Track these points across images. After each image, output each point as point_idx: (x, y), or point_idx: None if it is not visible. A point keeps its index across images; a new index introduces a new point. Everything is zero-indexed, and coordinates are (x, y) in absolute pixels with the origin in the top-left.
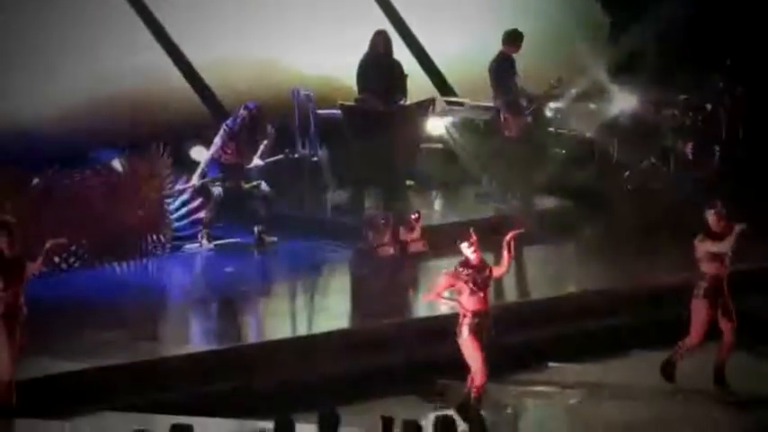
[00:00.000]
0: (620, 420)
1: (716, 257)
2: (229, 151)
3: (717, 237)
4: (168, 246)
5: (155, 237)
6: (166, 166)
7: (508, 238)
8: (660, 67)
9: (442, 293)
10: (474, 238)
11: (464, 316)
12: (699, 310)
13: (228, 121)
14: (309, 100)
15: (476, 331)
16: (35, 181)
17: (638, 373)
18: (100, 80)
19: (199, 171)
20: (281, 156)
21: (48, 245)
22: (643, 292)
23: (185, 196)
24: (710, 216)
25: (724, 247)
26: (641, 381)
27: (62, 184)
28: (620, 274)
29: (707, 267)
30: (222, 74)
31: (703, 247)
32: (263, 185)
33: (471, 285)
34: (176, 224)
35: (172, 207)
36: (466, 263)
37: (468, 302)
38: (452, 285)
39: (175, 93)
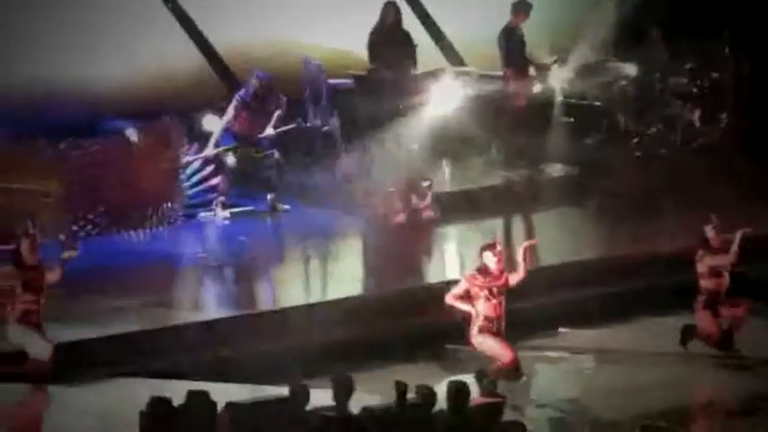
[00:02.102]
0: (629, 384)
1: (716, 272)
2: (242, 121)
3: (716, 251)
4: (182, 214)
5: (169, 205)
6: (180, 137)
7: (524, 246)
8: (667, 35)
9: (458, 297)
10: (499, 248)
11: (476, 319)
12: (703, 319)
13: (241, 92)
14: (320, 70)
15: (487, 329)
16: (51, 151)
17: (647, 337)
18: (115, 53)
19: (212, 140)
20: (293, 125)
21: (65, 254)
22: (651, 257)
23: (198, 165)
24: (709, 232)
25: (726, 259)
26: (649, 345)
27: (77, 154)
28: (627, 241)
29: (707, 283)
30: (235, 45)
31: (705, 262)
32: (276, 154)
33: (487, 293)
34: (190, 192)
35: (185, 176)
36: (485, 270)
37: (482, 308)
38: (469, 290)
39: (189, 64)
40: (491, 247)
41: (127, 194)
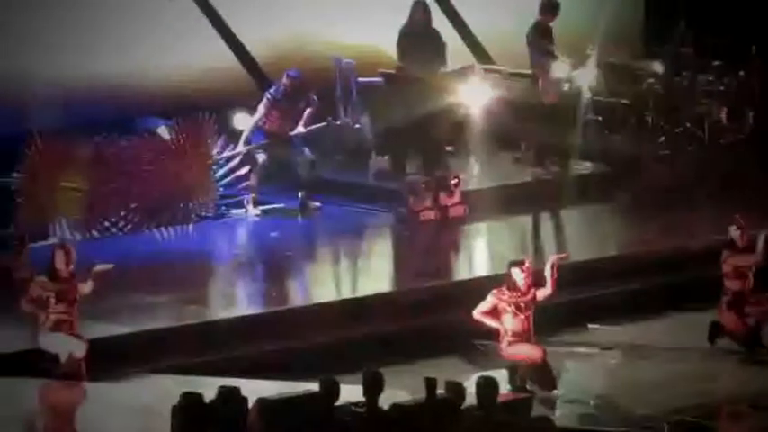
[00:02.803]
0: (658, 379)
1: (741, 272)
2: (273, 119)
3: (742, 251)
4: (213, 211)
5: (201, 202)
6: (212, 134)
7: (552, 261)
8: (694, 32)
9: (486, 313)
10: (528, 264)
11: (504, 335)
12: (728, 319)
13: (271, 90)
14: (351, 69)
15: (516, 342)
16: (85, 149)
17: (675, 333)
18: (147, 51)
19: (243, 138)
20: (323, 124)
21: (98, 268)
22: (679, 253)
23: (230, 163)
24: (734, 233)
25: (751, 259)
26: (678, 340)
27: (111, 151)
28: (655, 237)
29: (731, 284)
30: (266, 44)
31: (731, 261)
32: (307, 152)
33: (514, 308)
34: (222, 190)
35: (217, 174)
36: (513, 286)
37: (509, 324)
38: (496, 306)
39: (220, 62)
40: (519, 263)
41: (159, 191)
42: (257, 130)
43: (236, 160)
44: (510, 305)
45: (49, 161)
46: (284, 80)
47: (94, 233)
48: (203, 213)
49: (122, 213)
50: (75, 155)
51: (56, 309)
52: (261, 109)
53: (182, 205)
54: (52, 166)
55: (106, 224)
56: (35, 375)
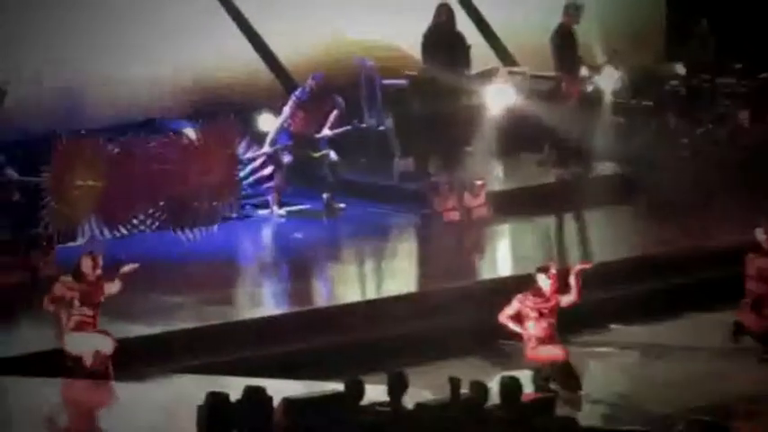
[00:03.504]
0: (679, 378)
1: (765, 276)
2: (298, 120)
3: (767, 254)
4: (238, 210)
5: (225, 202)
6: (237, 135)
7: (577, 269)
8: (715, 35)
9: (510, 317)
10: (553, 270)
11: (529, 341)
12: (750, 319)
13: (297, 92)
14: (375, 71)
15: (540, 346)
16: (111, 148)
17: (697, 332)
18: (174, 52)
19: (269, 139)
20: (349, 127)
21: (125, 268)
22: (700, 254)
23: (255, 164)
24: (761, 236)
25: None
26: (700, 340)
27: (137, 150)
28: (677, 238)
29: (754, 286)
30: (291, 46)
31: (755, 263)
32: (332, 154)
33: (537, 314)
34: (247, 191)
35: (242, 174)
36: (538, 292)
37: (533, 329)
38: (520, 311)
39: (245, 63)
40: (545, 269)
41: (185, 190)
42: (283, 131)
43: (259, 161)
44: (533, 311)
45: (76, 160)
46: (309, 82)
47: (122, 230)
48: (228, 214)
49: (150, 211)
50: (101, 154)
51: (79, 311)
52: (286, 110)
53: (206, 205)
54: (79, 165)
55: (134, 221)
56: (61, 375)
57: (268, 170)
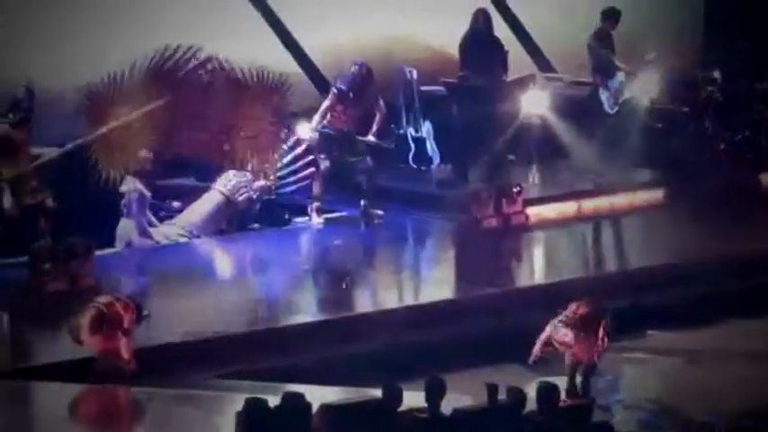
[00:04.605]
0: (717, 384)
1: None
2: (337, 113)
3: None
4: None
5: (260, 163)
6: (287, 96)
7: (603, 325)
8: (752, 39)
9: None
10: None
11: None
12: None
13: (338, 82)
14: (413, 77)
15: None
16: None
17: (735, 339)
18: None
19: (312, 124)
20: (393, 145)
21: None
22: (738, 260)
23: (297, 151)
24: None
25: None
26: (738, 346)
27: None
28: (715, 244)
29: None
30: (325, 49)
31: None
32: (369, 160)
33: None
34: (281, 183)
35: (280, 164)
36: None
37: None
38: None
39: (280, 67)
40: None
41: (225, 139)
42: (322, 127)
43: (300, 149)
44: (561, 345)
45: (109, 104)
46: (353, 69)
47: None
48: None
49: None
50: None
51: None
52: (327, 101)
53: (241, 152)
54: (115, 104)
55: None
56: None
57: (308, 171)
